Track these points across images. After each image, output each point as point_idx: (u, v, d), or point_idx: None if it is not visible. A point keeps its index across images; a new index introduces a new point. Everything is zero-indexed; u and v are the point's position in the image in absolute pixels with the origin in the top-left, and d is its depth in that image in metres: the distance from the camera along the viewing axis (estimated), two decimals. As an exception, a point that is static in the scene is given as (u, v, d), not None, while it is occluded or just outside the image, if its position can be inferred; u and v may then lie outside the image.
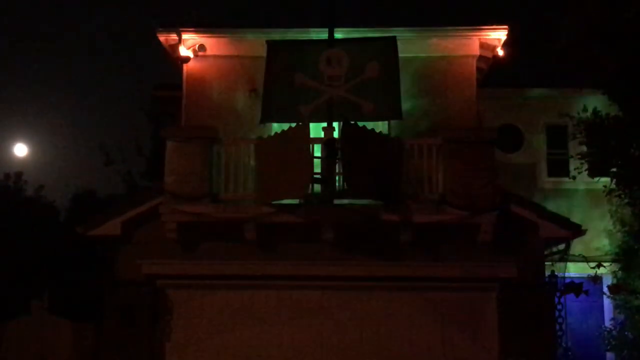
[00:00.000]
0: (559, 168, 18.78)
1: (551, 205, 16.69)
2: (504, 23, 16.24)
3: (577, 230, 14.93)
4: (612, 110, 15.50)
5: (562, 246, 15.62)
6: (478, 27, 16.34)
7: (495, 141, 15.00)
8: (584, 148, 15.75)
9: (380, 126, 15.65)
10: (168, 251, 14.80)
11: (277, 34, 16.15)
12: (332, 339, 14.76)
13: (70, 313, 15.98)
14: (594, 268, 16.37)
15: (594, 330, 17.56)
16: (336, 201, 14.29)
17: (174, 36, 16.48)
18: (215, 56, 16.64)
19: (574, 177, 16.90)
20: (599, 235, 17.75)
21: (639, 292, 16.63)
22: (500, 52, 16.62)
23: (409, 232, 14.50)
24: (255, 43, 16.16)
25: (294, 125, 14.30)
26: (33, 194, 25.52)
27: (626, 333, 16.63)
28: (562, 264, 15.81)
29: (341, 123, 14.30)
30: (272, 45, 15.31)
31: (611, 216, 17.94)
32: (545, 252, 15.42)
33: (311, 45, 15.36)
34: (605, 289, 17.37)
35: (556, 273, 14.99)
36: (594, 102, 16.04)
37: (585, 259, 16.60)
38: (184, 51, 16.45)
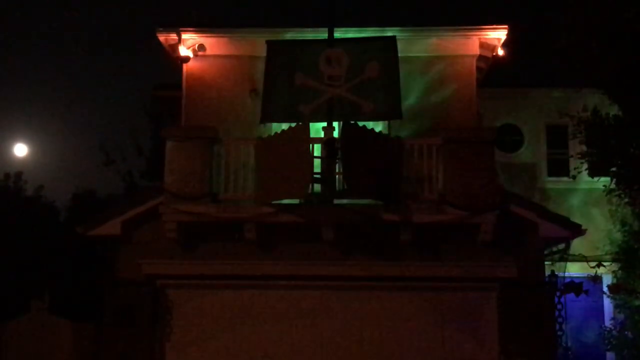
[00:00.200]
0: (559, 168, 18.78)
1: (551, 205, 16.72)
2: (504, 23, 16.23)
3: (577, 230, 14.93)
4: (612, 110, 15.49)
5: (562, 246, 15.62)
6: (478, 27, 16.33)
7: (495, 141, 15.01)
8: (584, 148, 15.74)
9: (380, 126, 15.66)
10: (168, 251, 14.80)
11: (277, 34, 16.15)
12: (332, 338, 14.75)
13: (70, 313, 15.98)
14: (594, 268, 16.37)
15: (594, 330, 17.57)
16: (336, 201, 14.29)
17: (173, 36, 16.48)
18: (215, 56, 16.64)
19: (574, 177, 16.91)
20: (599, 235, 17.74)
21: (639, 291, 16.63)
22: (500, 52, 16.62)
23: (409, 232, 14.50)
24: (255, 43, 16.16)
25: (294, 125, 14.30)
26: (33, 193, 25.54)
27: (626, 333, 16.63)
28: (562, 264, 15.82)
29: (341, 123, 14.30)
30: (272, 45, 15.30)
31: (611, 216, 17.94)
32: (545, 252, 15.42)
33: (311, 45, 15.35)
34: (605, 289, 17.37)
35: (556, 273, 14.99)
36: (594, 102, 16.02)
37: (585, 259, 16.61)
38: (183, 51, 16.45)
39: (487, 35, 16.38)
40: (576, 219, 15.62)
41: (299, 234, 14.73)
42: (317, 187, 14.28)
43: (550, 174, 18.92)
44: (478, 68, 16.71)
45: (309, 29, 16.15)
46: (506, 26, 16.18)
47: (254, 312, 14.86)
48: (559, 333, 14.70)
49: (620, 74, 14.67)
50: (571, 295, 15.07)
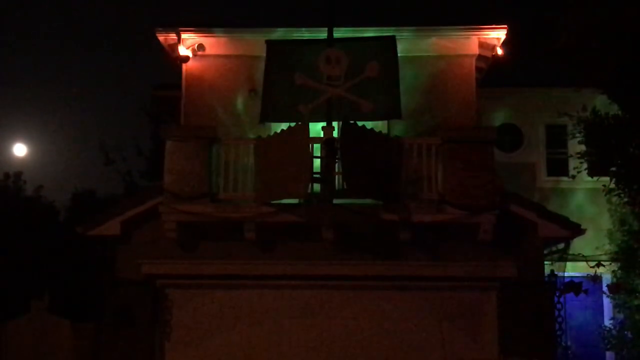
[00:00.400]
0: (558, 167, 18.78)
1: (551, 205, 16.70)
2: (503, 22, 16.22)
3: (577, 230, 14.94)
4: (612, 110, 15.50)
5: (561, 245, 15.63)
6: (477, 27, 16.32)
7: (495, 140, 15.02)
8: (584, 147, 15.75)
9: (380, 126, 15.65)
10: (168, 251, 14.81)
11: (277, 34, 16.15)
12: (331, 338, 14.76)
13: (70, 313, 15.99)
14: (593, 267, 16.37)
15: (594, 330, 17.56)
16: (336, 201, 14.29)
17: (173, 36, 16.47)
18: (214, 56, 16.62)
19: (573, 177, 16.91)
20: (599, 235, 17.73)
21: (639, 291, 16.63)
22: (500, 52, 16.62)
23: (409, 232, 14.51)
24: (254, 43, 16.15)
25: (293, 124, 14.31)
26: (32, 193, 25.54)
27: (626, 332, 16.64)
28: (561, 264, 15.82)
29: (341, 122, 14.30)
30: (271, 44, 15.31)
31: (611, 215, 17.94)
32: (545, 252, 15.43)
33: (310, 44, 15.35)
34: (604, 289, 17.38)
35: (556, 272, 15.00)
36: (594, 101, 16.04)
37: (585, 259, 16.61)
38: (183, 51, 16.44)
39: (486, 35, 16.37)
40: (575, 218, 15.62)
41: (299, 234, 14.74)
42: (317, 186, 14.29)
43: (549, 174, 18.91)
44: (477, 68, 16.71)
45: (309, 29, 16.15)
46: (505, 26, 16.17)
47: (253, 312, 14.86)
48: (559, 332, 14.72)
49: (619, 73, 14.68)
50: (571, 295, 15.08)
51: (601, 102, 15.97)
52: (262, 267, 14.71)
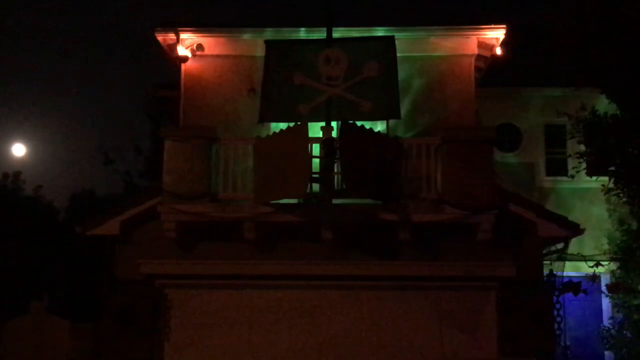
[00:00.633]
0: (557, 167, 18.78)
1: (550, 205, 16.71)
2: (502, 22, 16.23)
3: (576, 230, 14.95)
4: (611, 109, 15.51)
5: (560, 245, 15.63)
6: (476, 27, 16.32)
7: (494, 140, 15.02)
8: (582, 147, 15.76)
9: (379, 126, 15.66)
10: (167, 251, 14.81)
11: (276, 34, 16.15)
12: (331, 338, 14.77)
13: (69, 313, 15.99)
14: (592, 267, 16.38)
15: (593, 329, 17.57)
16: (335, 201, 14.31)
17: (172, 36, 16.47)
18: (213, 56, 16.62)
19: (572, 176, 16.92)
20: (598, 235, 17.74)
21: (638, 291, 16.64)
22: (499, 51, 16.62)
23: (408, 232, 14.52)
24: (253, 43, 16.17)
25: (292, 124, 14.31)
26: (32, 193, 25.53)
27: (625, 332, 16.63)
28: (560, 263, 15.84)
29: (340, 122, 14.30)
30: (270, 44, 15.32)
31: (609, 215, 17.94)
32: (544, 251, 15.43)
33: (310, 44, 15.36)
34: (603, 288, 17.39)
35: (555, 272, 15.00)
36: (592, 101, 16.05)
37: (584, 258, 16.62)
38: (182, 51, 16.44)
39: (485, 35, 16.37)
40: (574, 218, 15.63)
41: (298, 234, 14.75)
42: (316, 186, 14.30)
43: (548, 174, 18.90)
44: (476, 68, 16.71)
45: (308, 29, 16.15)
46: (504, 26, 16.18)
47: (252, 312, 14.87)
48: (558, 332, 14.73)
49: (618, 73, 14.69)
50: (570, 295, 15.10)
51: (600, 102, 15.99)
52: (261, 267, 14.72)
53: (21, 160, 26.69)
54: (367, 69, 14.68)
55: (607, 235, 17.90)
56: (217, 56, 16.62)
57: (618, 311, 17.18)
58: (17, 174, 25.65)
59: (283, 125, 14.80)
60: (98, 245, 15.59)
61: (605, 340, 16.92)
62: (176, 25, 16.48)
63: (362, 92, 14.65)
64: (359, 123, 14.20)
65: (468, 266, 14.60)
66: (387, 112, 15.00)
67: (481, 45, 16.49)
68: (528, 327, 14.37)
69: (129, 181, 25.99)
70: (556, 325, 14.67)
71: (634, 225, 16.95)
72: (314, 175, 14.20)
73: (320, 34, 15.19)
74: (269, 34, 16.06)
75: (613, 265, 17.38)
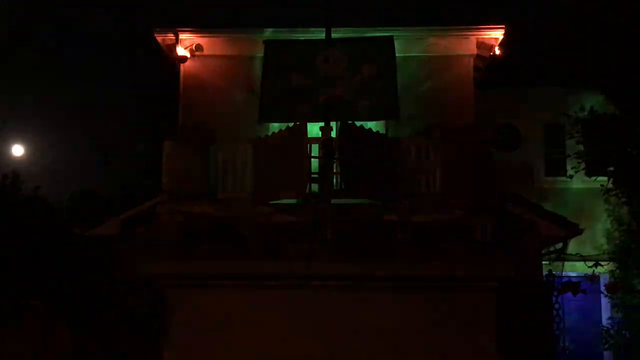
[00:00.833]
0: (556, 167, 18.80)
1: (549, 205, 16.71)
2: (501, 22, 16.24)
3: (575, 230, 14.95)
4: (610, 109, 15.53)
5: (559, 245, 15.63)
6: (475, 27, 16.33)
7: (493, 140, 15.02)
8: (582, 147, 15.78)
9: (378, 126, 15.66)
10: (166, 251, 14.78)
11: (275, 34, 16.15)
12: (330, 338, 14.75)
13: (69, 313, 15.97)
14: (591, 267, 16.39)
15: (592, 329, 17.58)
16: (334, 201, 14.29)
17: (171, 36, 16.48)
18: (212, 56, 16.63)
19: (571, 176, 16.94)
20: (597, 235, 17.76)
21: (637, 290, 16.65)
22: (498, 52, 16.63)
23: (407, 232, 14.50)
24: (252, 43, 16.17)
25: (291, 125, 14.31)
26: (31, 194, 25.49)
27: (624, 332, 16.66)
28: (559, 263, 15.84)
29: (338, 123, 14.31)
30: (269, 45, 15.33)
31: (608, 215, 17.95)
32: (543, 251, 15.44)
33: (308, 45, 15.37)
34: (602, 288, 17.39)
35: (554, 272, 15.01)
36: (591, 101, 16.07)
37: (583, 258, 16.63)
38: (181, 51, 16.44)
39: (484, 35, 16.38)
40: (573, 218, 15.63)
41: (297, 234, 14.72)
42: (315, 187, 14.30)
43: (547, 174, 18.92)
44: (475, 67, 16.71)
45: (307, 29, 16.15)
46: (503, 26, 16.19)
47: (252, 312, 14.84)
48: (557, 332, 14.72)
49: (617, 73, 14.71)
50: (569, 295, 15.09)
51: (599, 102, 16.00)
52: (260, 267, 14.69)
53: (20, 161, 26.67)
54: (366, 69, 14.70)
55: (606, 235, 17.92)
56: (216, 56, 16.63)
57: (617, 311, 17.20)
58: (16, 175, 25.62)
59: (282, 126, 14.79)
60: (97, 245, 15.59)
61: (604, 340, 16.94)
62: (175, 25, 16.49)
63: (361, 92, 14.66)
64: (357, 123, 14.20)
65: (467, 266, 14.59)
66: (386, 112, 15.02)
67: (480, 45, 16.50)
68: (527, 327, 14.36)
69: (128, 181, 25.96)
70: (555, 325, 14.67)
71: (633, 225, 16.97)
72: (313, 176, 14.21)
73: (319, 34, 15.19)
74: (268, 34, 16.07)
75: (612, 265, 17.40)
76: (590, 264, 16.44)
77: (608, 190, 15.61)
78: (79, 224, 15.15)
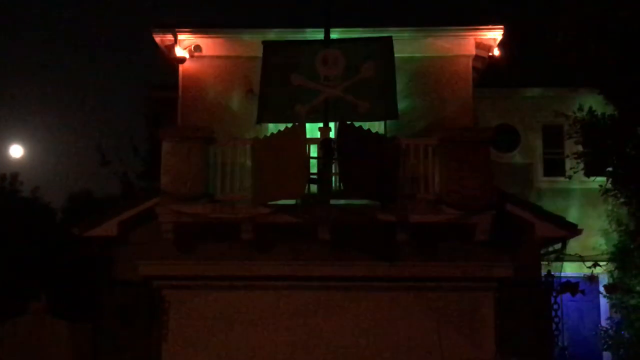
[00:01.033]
0: (554, 168, 18.80)
1: (547, 205, 16.72)
2: (500, 23, 16.25)
3: (573, 230, 14.95)
4: (608, 110, 15.53)
5: (558, 246, 15.63)
6: (474, 27, 16.35)
7: (492, 141, 15.03)
8: (580, 147, 15.78)
9: (377, 126, 15.66)
10: (165, 252, 14.80)
11: (273, 34, 16.16)
12: (329, 339, 14.76)
13: (68, 314, 15.97)
14: (590, 268, 16.39)
15: (591, 330, 17.59)
16: (332, 201, 14.30)
17: (169, 37, 16.48)
18: (211, 56, 16.64)
19: (569, 177, 16.93)
20: (595, 235, 17.76)
21: (635, 291, 16.66)
22: (496, 52, 16.65)
23: (406, 232, 14.52)
24: (251, 43, 16.17)
25: (290, 125, 14.32)
26: (29, 195, 25.51)
27: (622, 332, 16.66)
28: (558, 264, 15.84)
29: (337, 123, 14.32)
30: (268, 45, 15.33)
31: (607, 216, 17.95)
32: (542, 252, 15.44)
33: (307, 45, 15.37)
34: (601, 289, 17.40)
35: (552, 273, 15.00)
36: (590, 102, 16.07)
37: (582, 259, 16.64)
38: (179, 52, 16.45)
39: (483, 35, 16.40)
40: (572, 219, 15.65)
41: (296, 235, 14.74)
42: (314, 187, 14.30)
43: (546, 174, 18.93)
44: (474, 68, 16.73)
45: (305, 30, 16.17)
46: (502, 26, 16.20)
47: (250, 312, 14.86)
48: (556, 333, 14.73)
49: (616, 73, 14.71)
50: (567, 295, 15.10)
51: (598, 103, 16.00)
52: (259, 267, 14.71)
53: (19, 162, 26.67)
54: (365, 70, 14.69)
55: (604, 236, 17.92)
56: (215, 57, 16.64)
57: (616, 311, 17.21)
58: (14, 176, 25.63)
59: (281, 126, 14.79)
60: (96, 246, 15.58)
61: (603, 341, 16.94)
62: (174, 26, 16.49)
63: (360, 92, 14.66)
64: (356, 124, 14.21)
65: (466, 267, 14.60)
66: (385, 112, 15.02)
67: (479, 45, 16.52)
68: (526, 327, 14.36)
69: (127, 182, 25.96)
70: (554, 326, 14.67)
71: (632, 226, 16.98)
72: (311, 176, 14.21)
73: (318, 35, 15.20)
74: (267, 35, 16.07)
75: (611, 266, 17.41)
76: (589, 264, 16.44)
77: (607, 191, 15.61)
78: (77, 225, 15.12)
